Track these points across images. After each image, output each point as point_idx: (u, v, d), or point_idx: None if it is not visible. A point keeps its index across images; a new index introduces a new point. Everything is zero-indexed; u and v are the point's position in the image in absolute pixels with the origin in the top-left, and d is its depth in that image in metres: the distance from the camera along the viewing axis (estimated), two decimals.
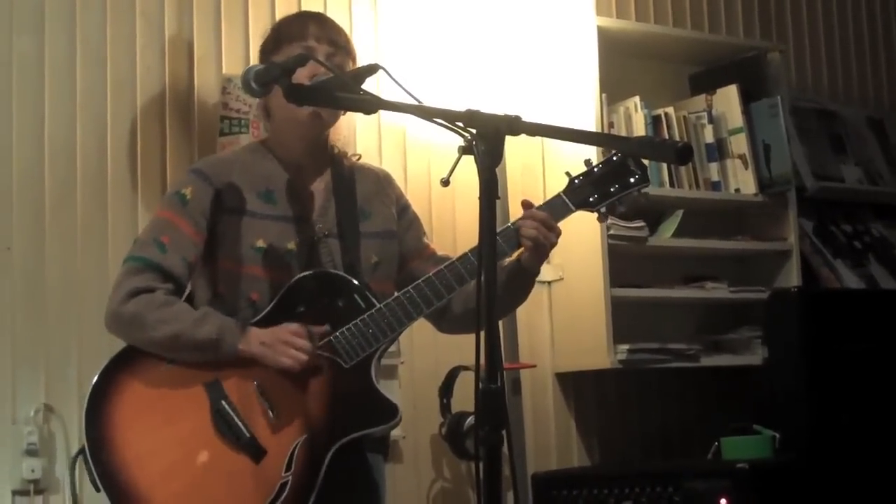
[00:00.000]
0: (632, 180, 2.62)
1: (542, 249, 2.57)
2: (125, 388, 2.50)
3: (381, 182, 2.79)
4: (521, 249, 2.61)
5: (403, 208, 2.80)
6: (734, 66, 4.34)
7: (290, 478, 2.46)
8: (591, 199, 2.61)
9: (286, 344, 2.49)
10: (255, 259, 2.58)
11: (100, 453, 2.45)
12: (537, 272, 2.65)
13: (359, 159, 2.80)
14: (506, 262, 2.65)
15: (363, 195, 2.72)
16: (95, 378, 2.51)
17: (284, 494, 2.45)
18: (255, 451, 2.48)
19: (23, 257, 3.25)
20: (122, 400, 2.49)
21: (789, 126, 4.24)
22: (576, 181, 2.63)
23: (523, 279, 2.66)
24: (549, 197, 2.65)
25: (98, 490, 2.44)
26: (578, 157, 2.70)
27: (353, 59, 2.72)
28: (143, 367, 2.52)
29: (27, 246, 3.26)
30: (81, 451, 2.47)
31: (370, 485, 2.66)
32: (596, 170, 2.63)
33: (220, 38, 3.56)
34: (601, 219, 2.65)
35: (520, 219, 2.58)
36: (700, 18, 4.52)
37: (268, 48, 2.69)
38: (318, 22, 2.70)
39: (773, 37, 4.67)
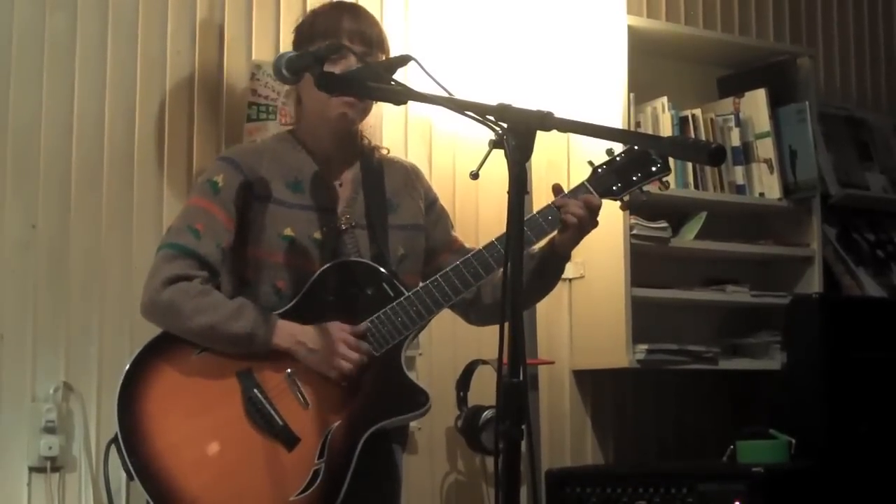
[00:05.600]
0: (653, 169, 2.67)
1: (582, 230, 2.60)
2: (156, 378, 2.51)
3: (410, 176, 2.79)
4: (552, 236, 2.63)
5: (432, 202, 2.80)
6: (763, 69, 4.33)
7: (324, 465, 2.47)
8: (614, 188, 2.66)
9: (334, 354, 2.50)
10: (282, 247, 2.59)
11: (133, 443, 2.45)
12: (569, 256, 2.67)
13: (388, 153, 2.81)
14: (535, 248, 2.66)
15: (391, 188, 2.73)
16: (126, 368, 2.52)
17: (318, 481, 2.46)
18: (288, 439, 2.48)
19: (48, 235, 3.26)
20: (154, 390, 2.50)
21: (816, 132, 4.22)
22: (599, 170, 2.68)
23: (556, 262, 2.67)
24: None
25: (132, 479, 2.45)
26: (603, 155, 2.72)
27: (386, 54, 2.71)
28: (174, 356, 2.52)
29: (52, 224, 3.27)
30: (114, 441, 2.48)
31: (394, 475, 2.68)
32: (618, 159, 2.67)
33: (251, 24, 3.57)
34: (624, 207, 2.68)
35: (560, 198, 2.60)
36: (730, 21, 4.51)
37: (303, 38, 2.68)
38: (353, 15, 2.69)
39: (804, 42, 4.66)
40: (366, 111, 2.69)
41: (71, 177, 3.31)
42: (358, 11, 2.73)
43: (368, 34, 2.66)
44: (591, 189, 2.64)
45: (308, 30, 2.69)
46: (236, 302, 2.54)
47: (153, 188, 3.41)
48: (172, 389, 2.51)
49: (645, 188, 2.69)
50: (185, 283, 2.52)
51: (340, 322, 2.54)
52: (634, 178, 2.66)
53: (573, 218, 2.57)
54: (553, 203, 2.60)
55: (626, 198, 2.66)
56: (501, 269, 2.62)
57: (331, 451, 2.48)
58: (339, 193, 2.67)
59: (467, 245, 2.78)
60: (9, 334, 3.20)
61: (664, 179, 2.70)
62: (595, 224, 2.62)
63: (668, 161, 2.68)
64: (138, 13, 3.42)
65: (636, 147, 2.67)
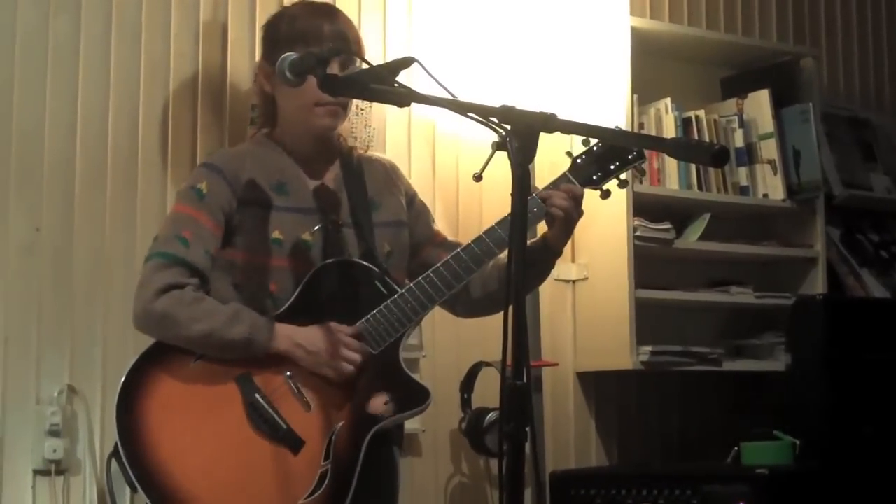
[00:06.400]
0: (629, 157, 2.73)
1: (569, 222, 2.63)
2: (155, 386, 2.50)
3: (389, 173, 2.82)
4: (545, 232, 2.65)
5: (412, 198, 2.84)
6: (766, 70, 4.33)
7: (330, 466, 2.47)
8: (594, 178, 2.71)
9: (330, 355, 2.50)
10: (273, 250, 2.60)
11: (135, 454, 2.45)
12: (561, 251, 2.70)
13: (366, 151, 2.84)
14: (528, 241, 2.68)
15: (372, 186, 2.75)
16: (123, 377, 2.51)
17: (325, 483, 2.46)
18: (293, 443, 2.48)
19: (52, 238, 3.26)
20: (153, 399, 2.49)
21: (820, 133, 4.22)
22: (578, 160, 2.72)
23: (547, 258, 2.69)
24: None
25: (135, 491, 2.44)
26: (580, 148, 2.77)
27: (362, 56, 2.74)
28: (172, 364, 2.52)
29: (56, 227, 3.27)
30: (115, 453, 2.47)
31: (394, 476, 2.68)
32: (595, 149, 2.72)
33: (255, 25, 3.56)
34: (604, 196, 2.70)
35: (543, 190, 2.64)
36: (733, 21, 4.51)
37: (281, 40, 2.68)
38: (332, 18, 2.71)
39: (807, 42, 4.65)
40: (347, 114, 2.73)
41: (75, 180, 3.31)
42: (335, 14, 2.77)
43: (348, 36, 2.69)
44: (573, 179, 2.68)
45: (288, 32, 2.69)
46: (231, 307, 2.54)
47: (157, 190, 3.40)
48: (172, 398, 2.50)
49: (623, 176, 2.75)
50: (177, 291, 2.52)
51: (336, 322, 2.55)
52: (612, 167, 2.71)
53: (559, 210, 2.61)
54: (536, 194, 2.62)
55: (606, 186, 2.70)
56: (490, 263, 2.65)
57: (336, 451, 2.49)
58: (323, 194, 2.67)
59: (450, 238, 2.81)
60: (13, 337, 3.20)
61: (640, 166, 2.78)
62: (580, 213, 2.65)
63: (643, 149, 2.75)
64: (141, 15, 3.42)
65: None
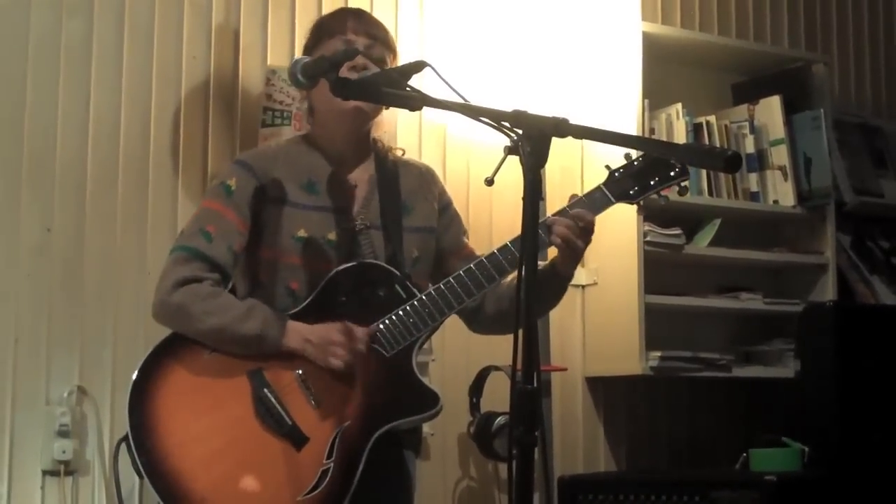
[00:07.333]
0: (672, 173, 2.66)
1: (572, 250, 2.57)
2: (168, 376, 2.51)
3: (425, 177, 2.80)
4: (555, 256, 2.63)
5: (445, 205, 2.81)
6: (778, 76, 4.32)
7: (332, 465, 2.48)
8: (630, 192, 2.65)
9: (334, 344, 2.50)
10: (296, 248, 2.59)
11: (143, 441, 2.46)
12: (571, 276, 2.66)
13: (403, 154, 2.82)
14: (540, 265, 2.66)
15: (406, 190, 2.73)
16: (139, 367, 2.52)
17: (326, 481, 2.47)
18: (297, 439, 2.49)
19: (63, 239, 3.28)
20: (165, 388, 2.50)
21: (831, 139, 4.21)
22: (616, 174, 2.67)
23: (557, 284, 2.67)
24: None
25: (141, 477, 2.45)
26: (617, 161, 2.70)
27: (394, 53, 2.74)
28: (186, 355, 2.53)
29: (67, 228, 3.28)
30: (125, 439, 2.48)
31: (406, 482, 2.67)
32: (636, 163, 2.66)
33: (267, 30, 3.58)
34: (641, 211, 2.66)
35: (553, 215, 2.60)
36: (745, 27, 4.51)
37: (309, 44, 2.73)
38: (357, 16, 2.73)
39: (818, 48, 4.65)
40: (379, 108, 2.69)
41: (86, 181, 3.32)
42: (361, 13, 2.79)
43: (373, 32, 2.69)
44: (608, 193, 2.64)
45: (315, 33, 2.73)
46: (246, 303, 2.55)
47: (168, 193, 3.42)
48: (183, 389, 2.51)
49: (663, 192, 2.67)
50: (195, 284, 2.53)
51: (351, 322, 2.55)
52: (652, 183, 2.65)
53: (557, 239, 2.55)
54: (544, 220, 2.58)
55: (643, 202, 2.66)
56: (507, 280, 2.63)
57: (340, 451, 2.49)
58: (354, 194, 2.67)
59: (477, 253, 2.78)
60: (23, 338, 3.21)
61: (682, 184, 2.68)
62: (587, 242, 2.58)
63: (686, 166, 2.67)
64: (154, 19, 3.44)
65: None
